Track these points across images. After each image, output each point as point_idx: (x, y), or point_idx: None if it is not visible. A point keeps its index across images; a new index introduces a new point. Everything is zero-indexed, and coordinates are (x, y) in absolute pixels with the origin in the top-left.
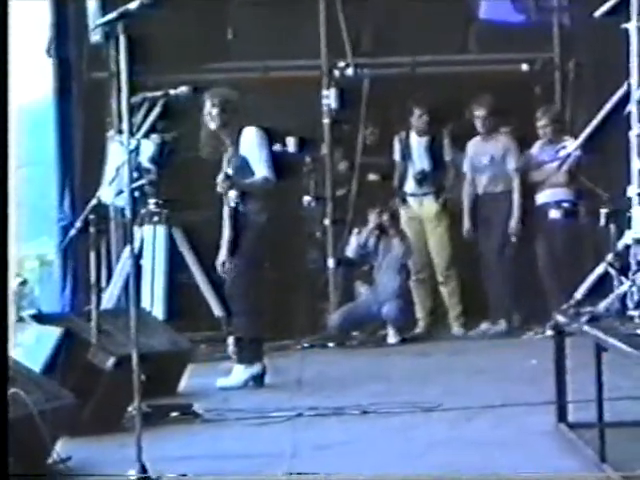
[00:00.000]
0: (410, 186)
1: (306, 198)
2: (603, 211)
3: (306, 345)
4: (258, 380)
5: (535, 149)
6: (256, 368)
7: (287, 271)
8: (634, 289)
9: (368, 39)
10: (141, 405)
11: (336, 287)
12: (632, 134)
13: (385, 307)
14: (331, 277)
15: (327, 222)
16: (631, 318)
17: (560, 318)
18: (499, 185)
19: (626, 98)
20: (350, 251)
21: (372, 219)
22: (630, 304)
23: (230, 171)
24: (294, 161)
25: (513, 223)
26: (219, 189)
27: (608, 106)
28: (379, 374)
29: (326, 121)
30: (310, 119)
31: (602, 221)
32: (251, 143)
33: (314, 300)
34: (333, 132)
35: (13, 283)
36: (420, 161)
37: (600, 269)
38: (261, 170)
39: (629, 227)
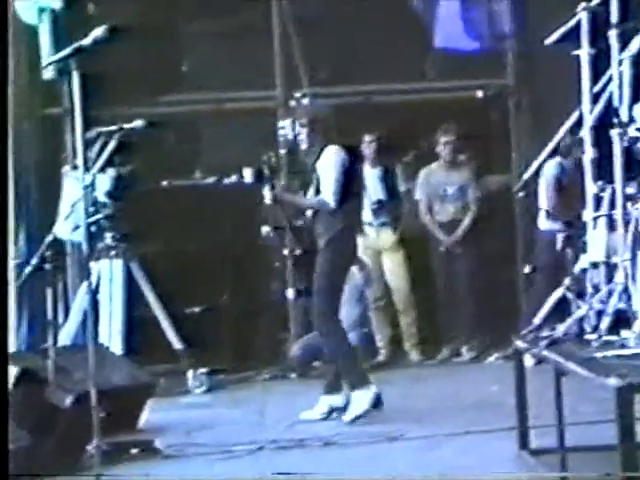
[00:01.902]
0: (367, 216)
1: (265, 228)
2: (560, 236)
3: (267, 376)
4: (378, 403)
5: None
6: (373, 391)
7: (247, 302)
8: (591, 313)
9: (324, 69)
10: (101, 443)
11: (296, 318)
12: (586, 159)
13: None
14: (291, 308)
15: (286, 252)
16: (589, 341)
17: (519, 343)
18: (462, 213)
19: (579, 123)
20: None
21: None
22: (587, 327)
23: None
24: (251, 191)
25: (453, 238)
26: (265, 200)
27: (562, 132)
28: None
29: (282, 151)
30: (267, 150)
31: (559, 245)
32: (326, 163)
33: (275, 331)
34: (290, 162)
35: None
36: (375, 192)
37: (558, 293)
38: (326, 193)
39: (585, 251)
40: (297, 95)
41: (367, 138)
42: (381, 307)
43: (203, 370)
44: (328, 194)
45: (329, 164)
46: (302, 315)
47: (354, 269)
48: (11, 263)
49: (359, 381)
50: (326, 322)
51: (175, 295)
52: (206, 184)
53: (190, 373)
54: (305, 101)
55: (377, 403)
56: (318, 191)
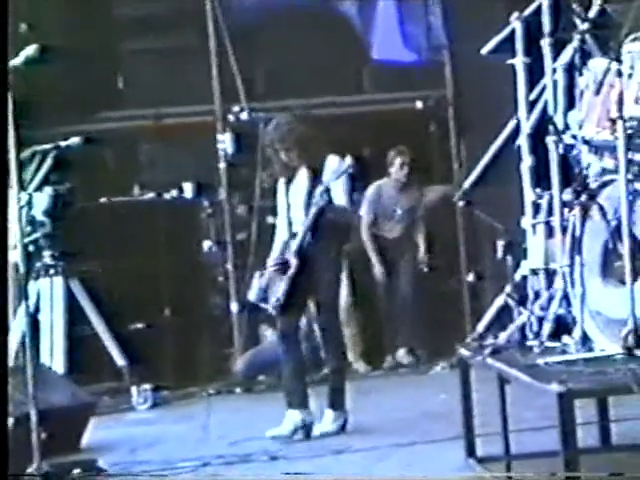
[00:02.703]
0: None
1: (206, 243)
2: (500, 243)
3: (212, 392)
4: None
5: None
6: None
7: (190, 317)
8: (532, 319)
9: (262, 83)
10: (42, 465)
11: (240, 332)
12: (523, 166)
13: None
14: (235, 322)
15: (229, 266)
16: (531, 348)
17: (463, 351)
18: (409, 230)
19: (516, 131)
20: (252, 295)
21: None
22: (529, 334)
23: (298, 198)
24: (191, 206)
25: (423, 256)
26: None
27: (500, 140)
28: None
29: (222, 165)
30: (206, 164)
31: (499, 253)
32: (332, 173)
33: (219, 346)
34: (230, 176)
35: None
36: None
37: (500, 301)
38: (340, 200)
39: (525, 258)
40: (235, 109)
41: None
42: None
43: (147, 386)
44: (342, 202)
45: (337, 175)
46: (246, 329)
47: None
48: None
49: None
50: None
51: (117, 312)
52: (145, 200)
53: (134, 390)
54: (243, 115)
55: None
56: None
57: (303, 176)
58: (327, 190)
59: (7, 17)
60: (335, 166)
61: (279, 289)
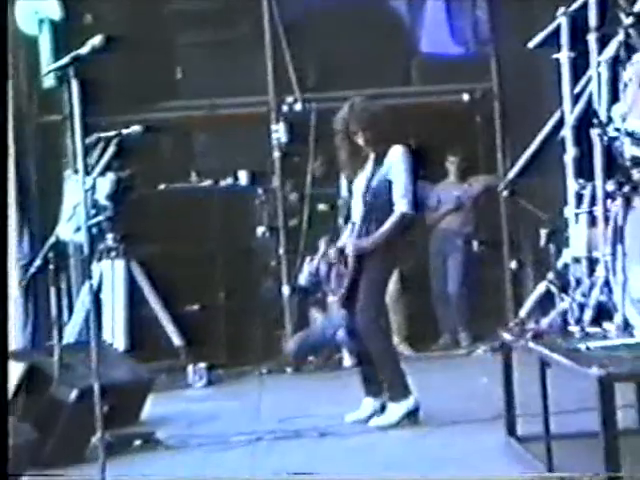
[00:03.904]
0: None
1: (260, 229)
2: (543, 231)
3: (264, 371)
4: (412, 416)
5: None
6: (410, 403)
7: (243, 300)
8: (574, 305)
9: (314, 75)
10: (104, 435)
11: (291, 314)
12: (567, 157)
13: (339, 332)
14: (286, 305)
15: (281, 251)
16: (572, 333)
17: (506, 336)
18: (454, 219)
19: (560, 123)
20: (303, 279)
21: (322, 247)
22: (571, 320)
23: (357, 195)
24: (246, 193)
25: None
26: (348, 250)
27: (544, 132)
28: (336, 397)
29: (276, 154)
30: (261, 153)
31: (542, 241)
32: (397, 164)
33: (270, 327)
34: (283, 165)
35: None
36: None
37: (542, 287)
38: (400, 200)
39: (567, 246)
40: (289, 100)
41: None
42: None
43: (202, 365)
44: (403, 203)
45: (400, 166)
46: (296, 312)
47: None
48: (12, 264)
49: (399, 393)
50: (373, 326)
51: (174, 294)
52: (202, 187)
53: (190, 368)
54: (297, 106)
55: (411, 415)
56: (376, 197)
57: (370, 164)
58: (388, 182)
59: (7, 17)
60: (398, 157)
61: (343, 280)
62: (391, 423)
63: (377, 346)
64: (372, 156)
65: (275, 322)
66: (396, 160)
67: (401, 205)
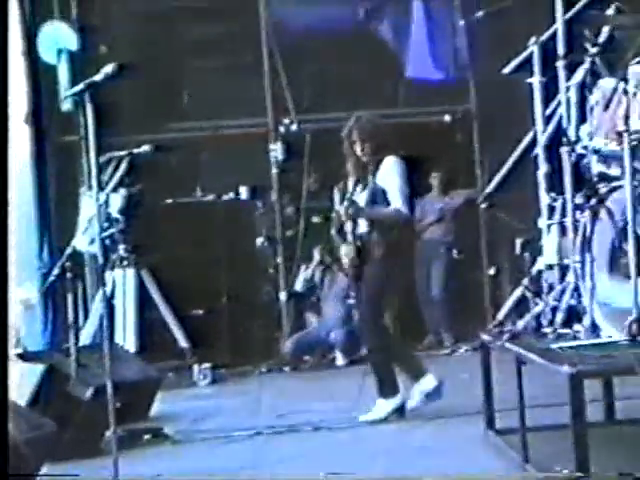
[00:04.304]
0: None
1: (259, 239)
2: (518, 241)
3: (263, 370)
4: (399, 411)
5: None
6: (398, 400)
7: (244, 304)
8: (547, 309)
9: (309, 98)
10: (117, 430)
11: (288, 317)
12: (540, 173)
13: (333, 333)
14: (283, 309)
15: (279, 260)
16: (545, 334)
17: (485, 336)
18: (437, 229)
19: (533, 142)
20: (298, 285)
21: (317, 256)
22: (544, 322)
23: (360, 198)
24: (247, 207)
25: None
26: (343, 217)
27: (519, 150)
28: (330, 393)
29: (274, 171)
30: (260, 170)
31: (518, 250)
32: (389, 172)
33: (269, 330)
34: (280, 181)
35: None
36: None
37: (518, 292)
38: (396, 201)
39: (541, 254)
40: (285, 122)
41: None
42: None
43: (207, 365)
44: (399, 202)
45: (393, 173)
46: (293, 315)
47: (341, 275)
48: (12, 269)
49: (389, 390)
50: (375, 327)
51: (181, 299)
52: (206, 201)
53: (196, 368)
54: (293, 126)
55: (398, 411)
56: (374, 202)
57: (368, 175)
58: (383, 192)
59: (7, 17)
60: (390, 165)
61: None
62: (380, 418)
63: (374, 343)
64: (369, 167)
65: (273, 325)
66: (389, 168)
67: (395, 203)
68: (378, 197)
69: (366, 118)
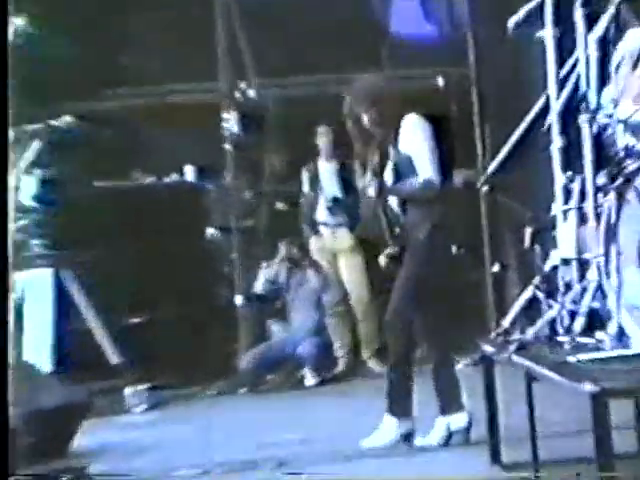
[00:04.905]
0: (322, 215)
1: (209, 230)
2: (527, 231)
3: (215, 392)
4: (408, 439)
5: None
6: (409, 423)
7: (191, 310)
8: (563, 313)
9: (272, 58)
10: (26, 472)
11: (246, 327)
12: (554, 147)
13: (301, 346)
14: (240, 316)
15: (234, 255)
16: (561, 344)
17: (487, 348)
18: None
19: (545, 110)
20: (259, 286)
21: (282, 251)
22: (560, 329)
23: (387, 174)
24: (194, 191)
25: None
26: (369, 192)
27: (527, 120)
28: (297, 421)
29: (228, 147)
30: (210, 146)
31: (527, 242)
32: (412, 133)
33: (223, 342)
34: (236, 159)
35: None
36: (331, 188)
37: (527, 293)
38: (425, 171)
39: (555, 247)
40: (242, 86)
41: (321, 129)
42: (339, 313)
43: (144, 386)
44: (428, 170)
45: (417, 135)
46: (252, 324)
47: (310, 272)
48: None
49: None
50: (402, 334)
51: (112, 305)
52: (145, 184)
53: (129, 390)
54: (251, 92)
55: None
56: (403, 176)
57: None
58: (409, 160)
59: (7, 17)
60: (412, 126)
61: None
62: (386, 443)
63: (400, 356)
64: (384, 138)
65: (228, 336)
66: (411, 129)
67: (424, 172)
68: (405, 167)
69: (360, 83)
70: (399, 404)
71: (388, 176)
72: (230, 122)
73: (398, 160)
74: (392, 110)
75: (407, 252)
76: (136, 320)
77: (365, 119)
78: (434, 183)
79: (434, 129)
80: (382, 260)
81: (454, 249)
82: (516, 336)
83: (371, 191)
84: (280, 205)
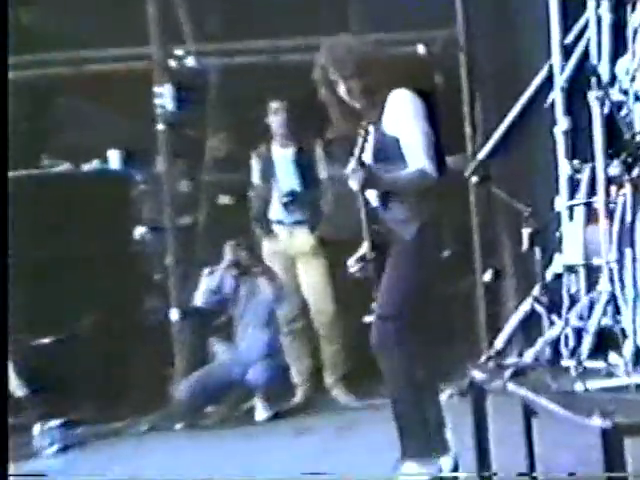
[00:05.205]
0: (276, 211)
1: (139, 230)
2: (525, 231)
3: (145, 428)
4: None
5: None
6: (446, 463)
7: (116, 328)
8: (568, 331)
9: (216, 19)
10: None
11: (183, 347)
12: (557, 130)
13: (250, 371)
14: (176, 333)
15: (169, 260)
16: (566, 369)
17: (477, 374)
18: None
19: (548, 84)
20: (200, 298)
21: (228, 254)
22: (564, 351)
23: (368, 158)
24: (119, 181)
25: None
26: (351, 184)
27: (526, 96)
28: (245, 463)
29: (161, 127)
30: (140, 126)
31: (525, 244)
32: (402, 112)
33: (154, 366)
34: (171, 142)
35: None
36: (287, 180)
37: (525, 307)
38: (418, 158)
39: (559, 251)
40: (178, 53)
41: (274, 106)
42: (297, 331)
43: (56, 422)
44: (421, 159)
45: (408, 114)
46: (191, 344)
47: (262, 281)
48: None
49: (441, 444)
50: (400, 358)
51: (16, 322)
52: (58, 172)
53: (37, 428)
54: (190, 61)
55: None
56: (385, 159)
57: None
58: (396, 143)
59: (7, 17)
60: (403, 103)
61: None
62: None
63: (401, 387)
64: (369, 112)
65: (161, 358)
66: (400, 107)
67: (416, 160)
68: (389, 151)
69: (344, 44)
70: (417, 443)
71: (366, 162)
72: (164, 97)
73: (382, 143)
74: (379, 81)
75: (390, 256)
76: (46, 340)
77: (342, 89)
78: (429, 174)
79: (427, 108)
80: (352, 265)
81: (444, 253)
82: (512, 359)
83: (354, 181)
84: (225, 199)
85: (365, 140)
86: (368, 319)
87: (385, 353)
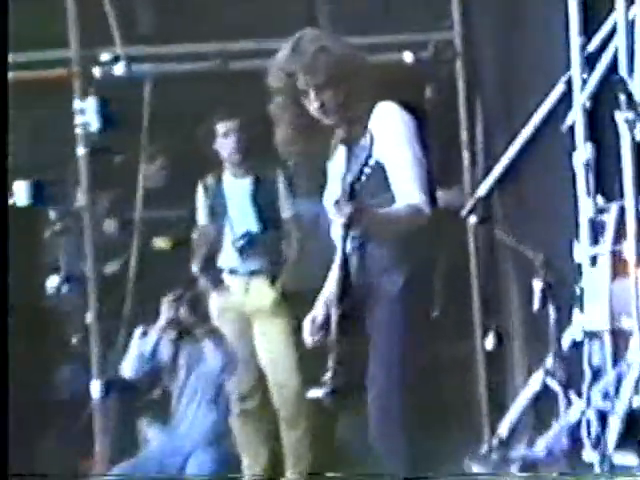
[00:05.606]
0: (228, 258)
1: (53, 279)
2: (536, 285)
3: None
4: None
5: None
6: None
7: (23, 403)
8: (590, 414)
9: (150, 18)
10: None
11: (106, 429)
12: (577, 160)
13: (191, 462)
14: (97, 412)
15: (89, 319)
16: (588, 465)
17: (476, 468)
18: None
19: (566, 102)
20: (129, 367)
21: (165, 312)
22: (585, 440)
23: (352, 186)
24: (30, 218)
25: None
26: (334, 218)
27: (538, 116)
28: None
29: (82, 152)
30: (56, 149)
31: (535, 301)
32: (390, 135)
33: (70, 453)
34: (94, 169)
35: None
36: (241, 218)
37: (536, 381)
38: (409, 191)
39: (580, 310)
40: (104, 58)
41: (222, 128)
42: (251, 411)
43: None
44: (414, 193)
45: (397, 134)
46: (116, 425)
47: (208, 346)
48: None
49: None
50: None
51: None
52: None
53: None
54: (118, 68)
55: None
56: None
57: (339, 150)
58: (381, 168)
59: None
60: (390, 119)
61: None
62: None
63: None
64: (339, 133)
65: (79, 444)
66: (389, 125)
67: (410, 196)
68: (370, 180)
69: (316, 44)
70: None
71: (337, 193)
72: (85, 113)
73: (359, 173)
74: (359, 91)
75: (372, 317)
76: None
77: (313, 103)
78: (422, 209)
79: (418, 127)
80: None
81: (434, 311)
82: (519, 450)
83: (339, 214)
84: (161, 242)
85: (365, 164)
86: (313, 394)
87: (390, 446)
